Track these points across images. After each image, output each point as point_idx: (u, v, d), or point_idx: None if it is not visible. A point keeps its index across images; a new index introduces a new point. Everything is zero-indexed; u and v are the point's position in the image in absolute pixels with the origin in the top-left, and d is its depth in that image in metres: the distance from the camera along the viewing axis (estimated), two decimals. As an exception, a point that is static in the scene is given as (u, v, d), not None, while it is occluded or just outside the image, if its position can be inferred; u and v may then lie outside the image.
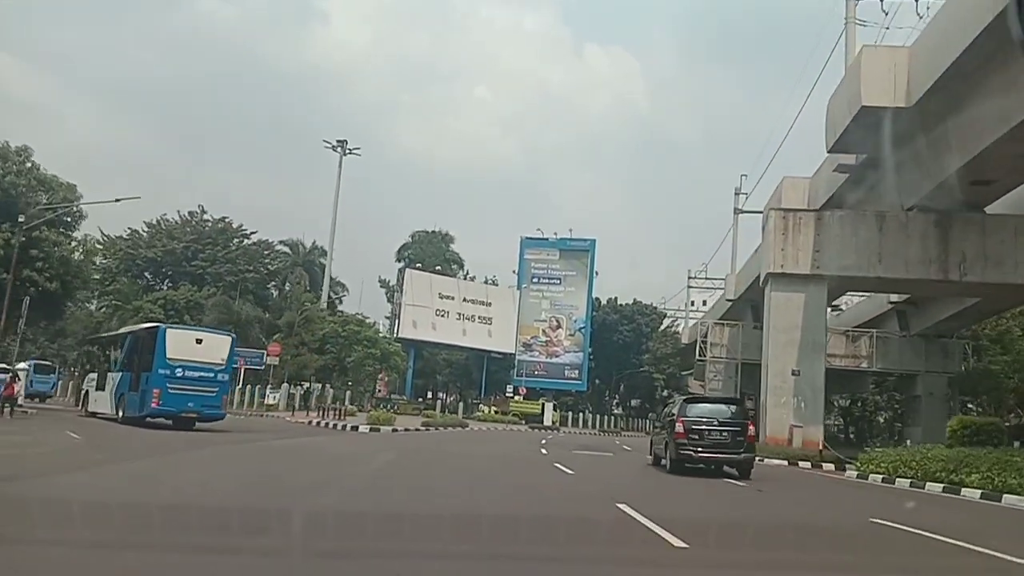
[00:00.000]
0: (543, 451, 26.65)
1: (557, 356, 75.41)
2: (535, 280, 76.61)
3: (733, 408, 17.79)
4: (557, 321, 75.96)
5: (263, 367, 42.09)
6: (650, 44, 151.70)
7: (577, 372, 74.74)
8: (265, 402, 41.90)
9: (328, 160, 65.73)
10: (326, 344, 53.74)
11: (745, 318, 54.36)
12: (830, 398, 50.49)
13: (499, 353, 67.10)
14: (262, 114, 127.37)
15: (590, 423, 72.61)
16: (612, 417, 78.58)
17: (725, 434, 16.86)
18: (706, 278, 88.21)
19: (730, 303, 57.52)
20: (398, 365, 59.00)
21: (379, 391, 55.53)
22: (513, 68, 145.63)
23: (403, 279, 62.11)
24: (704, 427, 16.93)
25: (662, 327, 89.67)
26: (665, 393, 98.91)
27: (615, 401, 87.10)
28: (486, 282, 69.19)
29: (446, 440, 29.38)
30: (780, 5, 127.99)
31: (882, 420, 62.26)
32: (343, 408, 40.32)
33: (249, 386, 42.29)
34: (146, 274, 59.22)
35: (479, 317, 65.96)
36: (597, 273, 76.33)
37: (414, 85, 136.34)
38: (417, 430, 35.84)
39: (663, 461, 18.27)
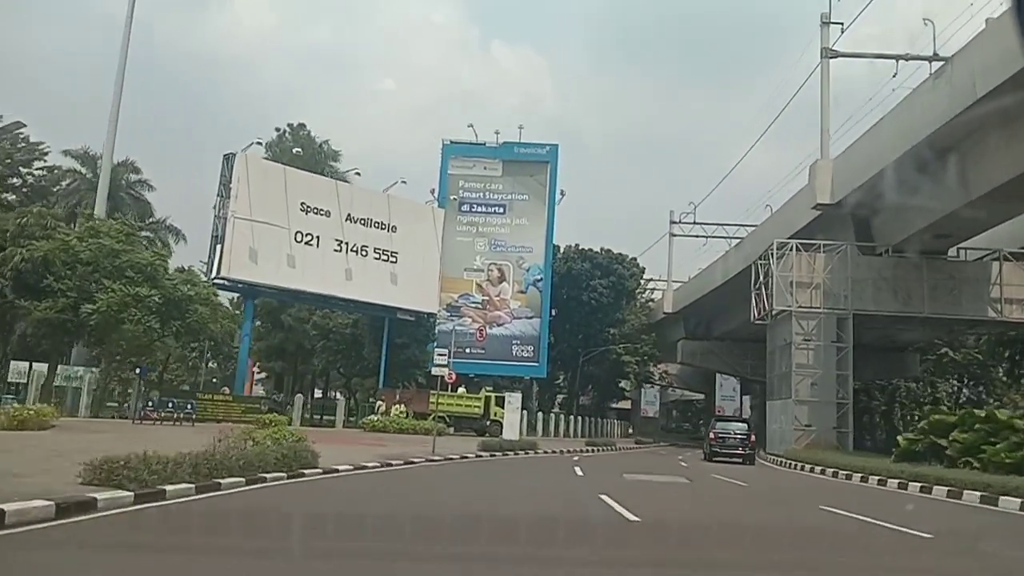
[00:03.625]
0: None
1: (500, 324, 48.45)
2: (465, 208, 49.40)
3: (742, 425, 30.40)
4: (500, 271, 49.01)
5: None
6: (558, 43, 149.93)
7: (532, 349, 48.00)
8: None
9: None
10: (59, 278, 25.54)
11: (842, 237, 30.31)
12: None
13: (410, 313, 39.66)
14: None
15: (561, 427, 46.10)
16: (593, 419, 52.59)
17: (736, 440, 28.43)
18: (695, 223, 64.13)
19: (820, 210, 31.88)
20: (215, 325, 30.99)
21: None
22: (421, 62, 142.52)
23: (232, 170, 33.95)
24: (724, 436, 28.75)
25: (644, 291, 64.46)
26: (638, 385, 73.91)
27: (587, 390, 61.12)
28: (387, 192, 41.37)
29: None
30: (688, 8, 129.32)
31: None
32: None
33: None
34: None
35: (376, 251, 38.38)
36: (563, 194, 49.78)
37: (321, 74, 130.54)
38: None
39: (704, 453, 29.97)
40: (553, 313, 48.30)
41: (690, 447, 57.56)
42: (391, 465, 14.80)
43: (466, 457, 18.86)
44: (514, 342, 48.01)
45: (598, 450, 32.56)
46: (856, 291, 31.40)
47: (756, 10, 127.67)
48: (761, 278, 34.19)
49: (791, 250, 31.97)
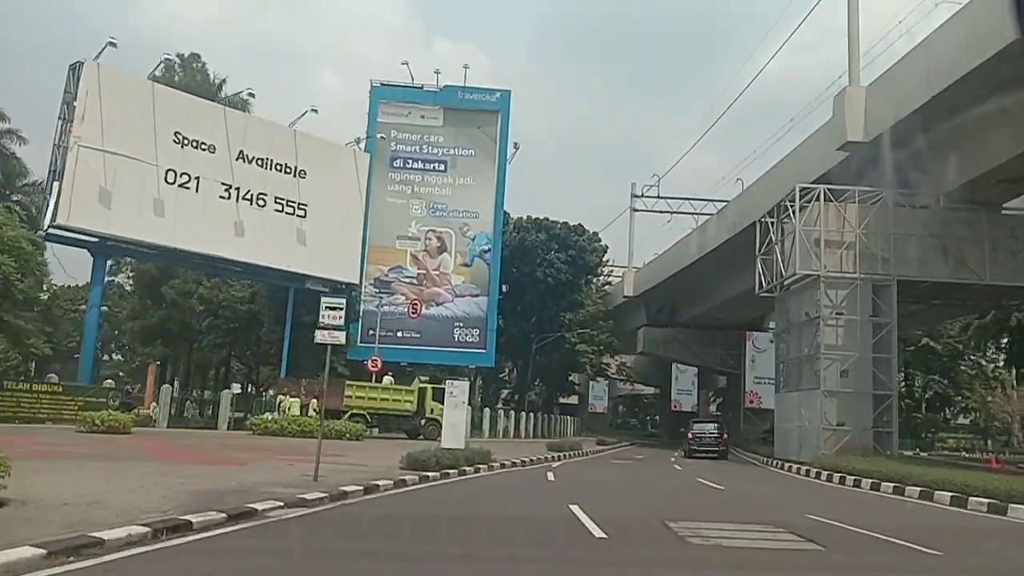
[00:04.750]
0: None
1: (440, 302, 40.31)
2: (398, 163, 41.03)
3: (715, 425, 34.85)
4: (440, 240, 40.83)
5: None
6: (502, 43, 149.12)
7: (477, 332, 39.99)
8: None
9: None
10: None
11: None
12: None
13: (324, 283, 31.09)
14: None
15: (511, 426, 38.46)
16: (545, 417, 45.00)
17: (711, 439, 31.88)
18: (658, 197, 57.31)
19: (849, 151, 25.07)
20: (31, 284, 22.11)
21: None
22: (364, 56, 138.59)
23: (78, 80, 24.72)
24: (700, 435, 32.19)
25: (602, 274, 57.39)
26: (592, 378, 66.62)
27: (536, 384, 53.52)
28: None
29: None
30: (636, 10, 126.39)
31: None
32: None
33: None
34: None
35: (278, 201, 29.79)
36: (516, 147, 41.85)
37: (263, 66, 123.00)
38: None
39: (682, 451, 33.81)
40: (504, 290, 40.36)
41: (651, 445, 50.92)
42: (168, 537, 6.58)
43: (376, 487, 10.76)
44: (456, 324, 39.90)
45: (567, 456, 24.82)
46: (897, 252, 24.46)
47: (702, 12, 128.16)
48: (773, 238, 26.94)
49: (816, 199, 24.76)
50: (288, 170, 30.35)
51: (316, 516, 8.11)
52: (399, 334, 39.34)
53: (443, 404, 23.39)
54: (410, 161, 40.87)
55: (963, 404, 62.80)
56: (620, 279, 58.30)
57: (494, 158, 40.96)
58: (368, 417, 27.25)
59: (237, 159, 29.04)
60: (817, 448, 23.32)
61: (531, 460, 20.16)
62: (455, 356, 39.52)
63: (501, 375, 57.14)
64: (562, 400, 69.74)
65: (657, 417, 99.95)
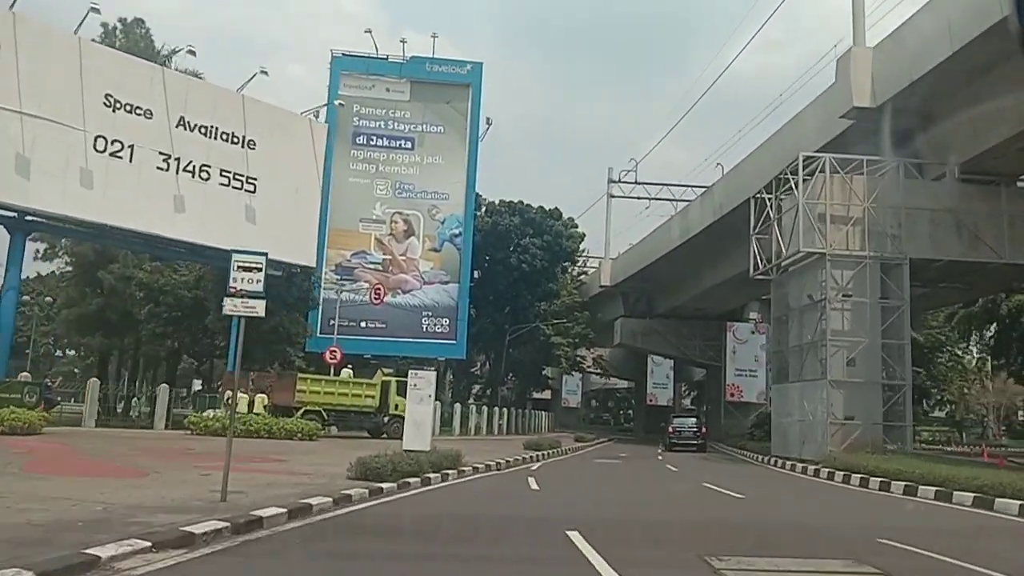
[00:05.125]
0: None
1: (407, 290, 37.57)
2: (361, 140, 38.15)
3: (693, 419, 36.66)
4: (407, 223, 38.07)
5: None
6: (470, 33, 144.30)
7: (447, 322, 37.32)
8: None
9: None
10: None
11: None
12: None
13: (276, 266, 28.14)
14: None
15: (483, 422, 35.98)
16: (519, 412, 42.53)
17: (690, 433, 33.76)
18: (636, 183, 55.11)
19: (853, 120, 22.77)
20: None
21: None
22: (327, 45, 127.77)
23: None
24: (680, 429, 34.09)
25: (579, 261, 55.05)
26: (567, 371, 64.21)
27: (509, 378, 51.01)
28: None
29: None
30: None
31: None
32: None
33: None
34: None
35: (224, 174, 26.79)
36: (489, 123, 39.16)
37: (228, 57, 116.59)
38: None
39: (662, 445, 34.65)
40: (475, 276, 37.74)
41: (628, 441, 48.65)
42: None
43: (307, 509, 8.04)
44: (425, 314, 37.17)
45: (546, 455, 22.29)
46: (908, 229, 22.27)
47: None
48: (771, 214, 24.61)
49: (821, 170, 22.44)
50: (235, 140, 27.35)
51: (192, 566, 5.40)
52: (362, 324, 36.54)
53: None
54: (374, 138, 38.00)
55: (939, 396, 61.56)
56: (596, 269, 56.02)
57: (465, 135, 38.25)
58: (324, 414, 24.45)
59: (177, 126, 25.97)
60: (823, 444, 21.05)
61: (507, 462, 17.59)
62: (423, 347, 36.80)
63: (473, 369, 54.49)
64: (536, 395, 67.39)
65: (630, 411, 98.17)
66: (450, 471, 13.27)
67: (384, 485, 10.42)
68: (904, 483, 14.46)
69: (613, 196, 55.69)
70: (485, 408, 38.64)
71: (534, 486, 12.64)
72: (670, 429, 34.65)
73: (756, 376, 51.07)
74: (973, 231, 22.26)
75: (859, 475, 16.49)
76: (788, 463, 22.06)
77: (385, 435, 24.08)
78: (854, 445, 20.34)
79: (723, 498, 12.38)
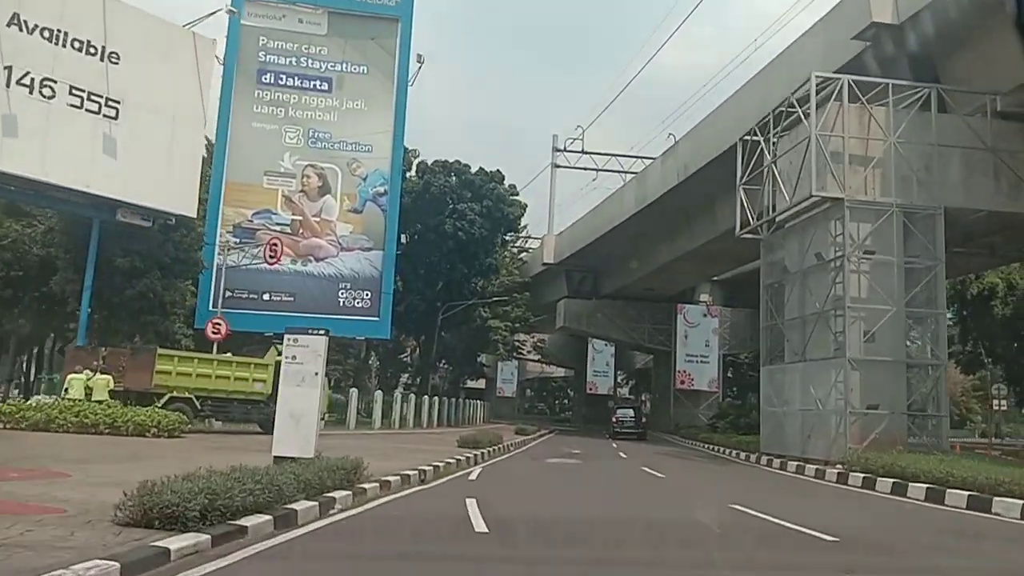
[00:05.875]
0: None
1: (321, 257, 31.82)
2: (267, 79, 32.07)
3: (633, 410, 39.26)
4: (322, 178, 32.25)
5: None
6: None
7: (369, 296, 31.71)
8: None
9: None
10: None
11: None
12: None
13: (144, 214, 22.04)
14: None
15: (410, 412, 30.74)
16: (452, 402, 37.33)
17: (631, 422, 35.93)
18: (583, 152, 50.72)
19: (868, 42, 17.87)
20: None
21: None
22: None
23: None
24: (622, 419, 36.11)
25: (521, 233, 50.31)
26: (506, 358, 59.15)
27: (440, 365, 45.74)
28: None
29: None
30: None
31: None
32: None
33: None
34: None
35: (76, 93, 20.64)
36: (421, 61, 33.47)
37: None
38: None
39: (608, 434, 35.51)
40: (403, 242, 32.26)
41: (570, 432, 44.15)
42: None
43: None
44: (342, 285, 31.48)
45: (486, 455, 17.18)
46: (939, 173, 17.94)
47: None
48: (768, 156, 19.96)
49: (835, 98, 17.85)
50: (92, 50, 21.12)
51: None
52: (266, 296, 30.70)
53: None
54: (284, 77, 31.99)
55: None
56: (539, 246, 51.21)
57: (392, 77, 32.61)
58: (197, 403, 18.71)
59: (10, 24, 19.68)
60: (838, 440, 16.56)
61: (435, 468, 12.38)
62: (340, 325, 30.96)
63: (403, 356, 49.01)
64: (470, 383, 62.47)
65: (567, 401, 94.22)
66: (340, 494, 7.99)
67: (184, 542, 5.07)
68: (966, 492, 10.13)
69: (558, 166, 51.08)
70: (413, 397, 33.27)
71: (479, 523, 7.49)
72: (614, 419, 36.91)
73: (708, 362, 47.18)
74: (1012, 175, 18.10)
75: (890, 479, 12.13)
76: (790, 463, 17.55)
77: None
78: (882, 442, 15.91)
79: (805, 540, 7.44)
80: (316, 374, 10.04)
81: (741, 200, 21.13)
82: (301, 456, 9.17)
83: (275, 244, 24.78)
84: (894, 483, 12.52)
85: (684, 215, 33.82)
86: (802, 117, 18.03)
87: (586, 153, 50.43)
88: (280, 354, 20.87)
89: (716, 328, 47.29)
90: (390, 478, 9.97)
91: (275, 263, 26.53)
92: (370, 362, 46.87)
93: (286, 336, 10.45)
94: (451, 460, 14.13)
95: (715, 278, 47.27)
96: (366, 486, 8.89)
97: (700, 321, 47.70)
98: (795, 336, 19.22)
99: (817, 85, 17.82)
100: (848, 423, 16.44)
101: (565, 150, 50.74)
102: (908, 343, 17.68)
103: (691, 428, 40.80)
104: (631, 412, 38.10)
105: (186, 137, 23.18)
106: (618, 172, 48.64)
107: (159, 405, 17.47)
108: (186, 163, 23.07)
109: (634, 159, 47.36)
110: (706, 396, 47.62)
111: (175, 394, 18.22)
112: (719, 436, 28.79)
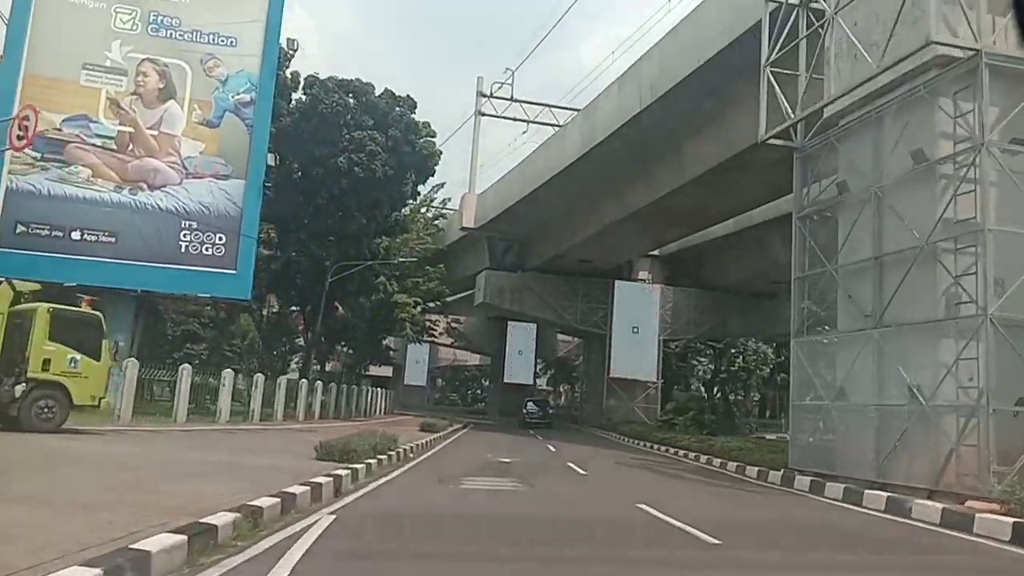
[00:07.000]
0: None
1: (158, 185, 23.01)
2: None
3: (543, 402, 45.79)
4: (163, 76, 23.37)
5: None
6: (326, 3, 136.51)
7: (224, 242, 23.07)
8: None
9: None
10: None
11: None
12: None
13: None
14: None
15: (280, 404, 22.45)
16: (350, 390, 29.34)
17: (540, 412, 41.22)
18: (511, 99, 43.51)
19: None
20: None
21: None
22: None
23: None
24: (532, 411, 41.11)
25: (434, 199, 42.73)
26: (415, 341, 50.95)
27: (336, 351, 37.51)
28: None
29: None
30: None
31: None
32: None
33: None
34: None
35: None
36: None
37: None
38: None
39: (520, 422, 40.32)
40: (272, 164, 23.87)
41: (488, 427, 37.57)
42: None
43: None
44: (186, 224, 22.67)
45: (359, 475, 9.50)
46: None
47: None
48: (808, 21, 12.85)
49: None
50: None
51: None
52: (75, 234, 21.78)
53: (83, 350, 8.13)
54: (111, -65, 22.97)
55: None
56: (458, 208, 43.67)
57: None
58: None
59: None
60: (963, 458, 9.61)
61: (192, 536, 4.60)
62: (181, 278, 22.48)
63: (296, 340, 40.45)
64: (374, 371, 54.51)
65: (480, 391, 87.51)
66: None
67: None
68: None
69: (483, 114, 43.64)
70: (284, 382, 24.98)
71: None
72: (524, 410, 41.80)
73: (646, 348, 40.96)
74: None
75: None
76: (865, 492, 10.53)
77: (20, 421, 10.85)
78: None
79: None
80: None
81: (765, 87, 13.98)
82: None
83: (26, 120, 15.26)
84: None
85: (640, 160, 27.18)
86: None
87: (516, 101, 43.24)
88: (25, 299, 12.56)
89: (656, 309, 41.07)
90: None
91: (24, 147, 16.86)
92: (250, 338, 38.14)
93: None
94: (270, 498, 6.33)
95: (653, 253, 41.13)
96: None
97: (639, 298, 41.60)
98: (861, 288, 12.17)
99: None
100: (988, 429, 9.48)
101: (492, 96, 43.39)
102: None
103: (631, 424, 34.45)
104: (540, 404, 44.33)
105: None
106: (553, 125, 41.63)
107: None
108: None
109: (572, 112, 40.09)
110: (642, 387, 41.58)
111: None
112: (691, 440, 21.90)
